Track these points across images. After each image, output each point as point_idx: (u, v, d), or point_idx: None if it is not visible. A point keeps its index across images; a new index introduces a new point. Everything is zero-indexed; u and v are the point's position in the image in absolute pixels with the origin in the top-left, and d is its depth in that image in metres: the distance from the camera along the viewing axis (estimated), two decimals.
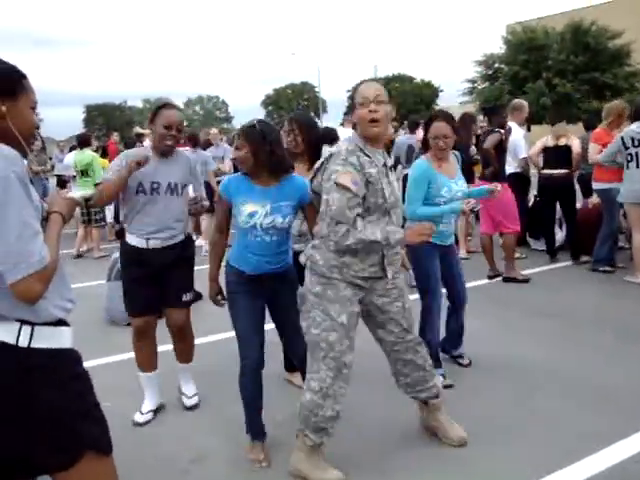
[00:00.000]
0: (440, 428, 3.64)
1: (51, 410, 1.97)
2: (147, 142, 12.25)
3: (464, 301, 4.72)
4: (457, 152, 4.70)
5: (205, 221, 10.25)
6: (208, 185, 9.52)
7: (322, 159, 3.23)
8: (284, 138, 3.99)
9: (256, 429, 3.58)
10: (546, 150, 8.25)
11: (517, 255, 7.90)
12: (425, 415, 3.72)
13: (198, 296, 6.87)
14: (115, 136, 14.75)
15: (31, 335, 1.96)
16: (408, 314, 3.43)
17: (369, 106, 3.07)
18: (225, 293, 3.64)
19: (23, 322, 1.96)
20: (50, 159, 16.00)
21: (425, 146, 4.51)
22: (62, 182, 13.15)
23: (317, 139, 4.28)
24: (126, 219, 4.05)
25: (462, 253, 8.63)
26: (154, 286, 4.01)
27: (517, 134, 8.08)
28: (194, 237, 4.93)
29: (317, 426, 3.23)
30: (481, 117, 11.37)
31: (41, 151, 15.32)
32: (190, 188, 4.12)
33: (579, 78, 37.72)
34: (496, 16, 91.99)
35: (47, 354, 1.99)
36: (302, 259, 3.33)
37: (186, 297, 4.11)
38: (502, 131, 7.25)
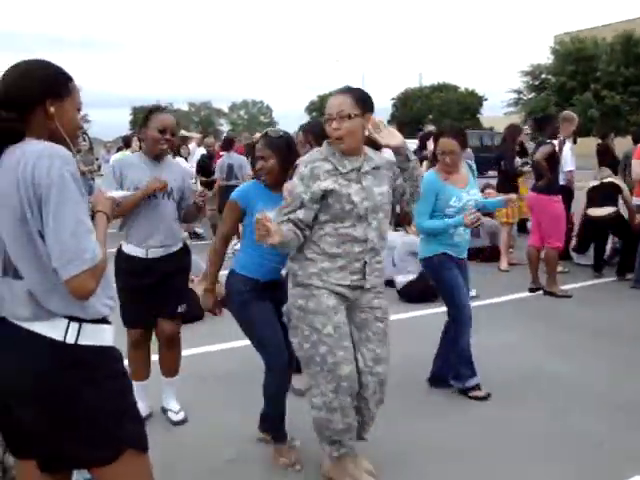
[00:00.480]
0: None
1: (94, 407, 1.99)
2: (192, 145, 12.41)
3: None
4: (470, 162, 4.66)
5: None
6: None
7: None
8: (300, 149, 3.97)
9: (282, 432, 3.55)
10: (592, 189, 8.14)
11: (560, 269, 7.79)
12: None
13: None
14: None
15: (78, 332, 1.99)
16: (386, 342, 3.23)
17: (332, 123, 2.99)
18: (233, 302, 3.53)
19: (71, 319, 1.99)
20: (97, 159, 16.30)
21: (435, 159, 4.52)
22: None
23: None
24: (122, 228, 3.95)
25: (503, 265, 8.57)
26: (151, 297, 3.90)
27: (564, 147, 7.98)
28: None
29: (331, 439, 3.17)
30: (526, 127, 11.27)
31: (88, 151, 15.60)
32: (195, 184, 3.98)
33: (628, 90, 37.12)
34: (543, 26, 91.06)
35: (93, 351, 2.02)
36: (283, 273, 3.30)
37: (181, 308, 4.03)
38: (554, 142, 7.15)
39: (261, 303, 3.44)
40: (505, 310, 6.54)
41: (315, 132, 4.18)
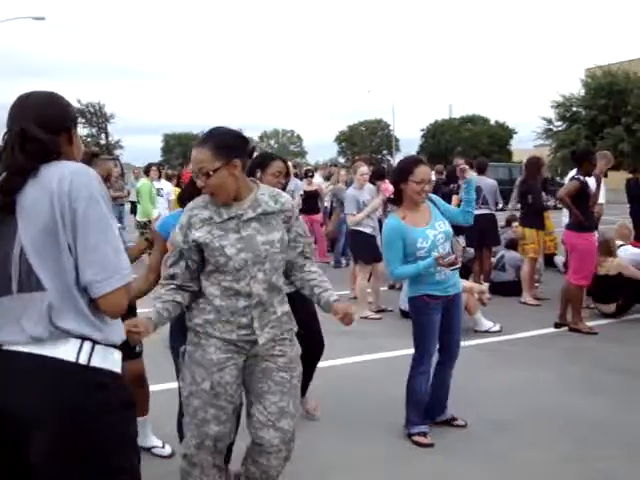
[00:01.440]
0: None
1: (109, 436, 1.95)
2: (318, 177, 12.57)
3: (454, 356, 4.38)
4: (431, 195, 4.42)
5: None
6: None
7: None
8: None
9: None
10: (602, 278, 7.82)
11: (586, 305, 7.68)
12: None
13: None
14: (188, 169, 15.08)
15: (91, 353, 1.95)
16: (292, 395, 2.95)
17: (199, 179, 2.78)
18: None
19: (85, 339, 1.94)
20: (126, 184, 16.54)
21: (397, 201, 4.30)
22: (135, 208, 13.53)
23: None
24: None
25: (527, 299, 8.48)
26: None
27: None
28: None
29: None
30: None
31: (119, 177, 15.87)
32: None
33: None
34: (575, 59, 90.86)
35: (106, 375, 1.99)
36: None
37: (139, 347, 3.97)
38: (582, 179, 7.03)
39: None
40: (528, 346, 6.45)
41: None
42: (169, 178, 12.58)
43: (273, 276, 2.85)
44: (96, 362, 1.95)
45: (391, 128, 70.93)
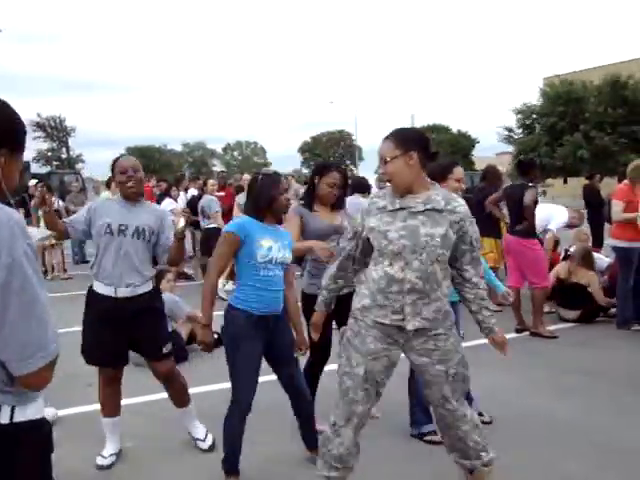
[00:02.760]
0: None
1: None
2: (192, 190, 12.51)
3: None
4: None
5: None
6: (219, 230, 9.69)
7: None
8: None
9: (233, 466, 3.68)
10: (563, 287, 8.04)
11: (547, 309, 7.80)
12: None
13: (219, 341, 6.84)
14: (153, 180, 14.95)
15: (12, 412, 1.74)
16: (450, 383, 3.19)
17: (381, 167, 3.23)
18: (226, 336, 3.70)
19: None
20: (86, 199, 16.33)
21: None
22: None
23: None
24: (93, 266, 4.07)
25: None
26: (122, 336, 3.99)
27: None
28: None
29: (324, 459, 3.28)
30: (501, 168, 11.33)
31: (79, 192, 15.71)
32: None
33: (617, 131, 37.58)
34: (533, 69, 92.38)
35: (29, 427, 1.79)
36: None
37: (166, 349, 4.12)
38: (537, 186, 7.22)
39: (249, 343, 3.60)
40: (491, 351, 6.49)
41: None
42: None
43: (429, 267, 3.03)
44: (20, 417, 1.76)
45: (354, 138, 71.25)
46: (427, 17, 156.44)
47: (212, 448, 4.26)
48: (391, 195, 3.16)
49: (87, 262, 15.07)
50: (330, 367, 4.30)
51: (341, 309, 3.80)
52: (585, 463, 3.99)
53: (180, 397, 4.30)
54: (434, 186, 3.19)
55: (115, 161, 4.11)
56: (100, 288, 3.97)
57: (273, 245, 3.64)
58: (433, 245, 3.02)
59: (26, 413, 1.78)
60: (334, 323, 4.24)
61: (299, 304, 4.07)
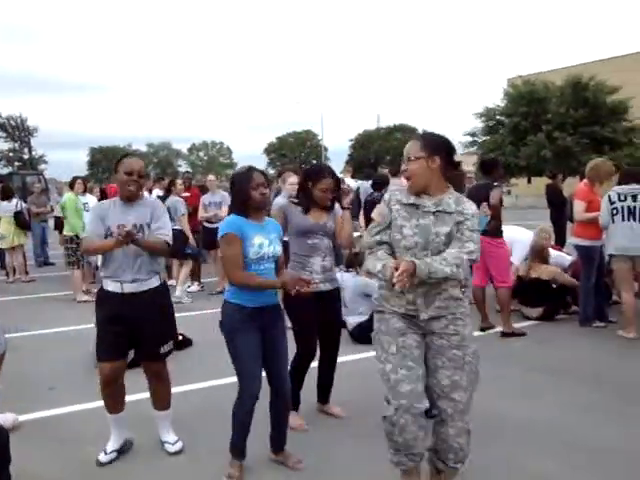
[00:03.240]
0: None
1: None
2: (156, 191, 12.34)
3: None
4: None
5: (175, 267, 10.41)
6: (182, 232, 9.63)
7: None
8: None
9: (239, 450, 3.88)
10: (527, 284, 8.14)
11: (512, 307, 7.88)
12: None
13: (188, 342, 6.89)
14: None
15: None
16: (465, 370, 3.30)
17: (404, 164, 3.58)
18: (224, 330, 3.82)
19: None
20: (49, 201, 16.12)
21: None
22: (60, 224, 13.20)
23: None
24: (102, 265, 4.19)
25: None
26: (126, 332, 4.04)
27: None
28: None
29: (393, 447, 3.34)
30: (470, 168, 11.42)
31: (41, 193, 15.47)
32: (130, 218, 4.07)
33: (579, 131, 38.17)
34: (498, 69, 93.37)
35: None
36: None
37: (164, 349, 4.17)
38: (502, 185, 7.29)
39: (246, 335, 3.74)
40: None
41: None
42: (90, 190, 12.23)
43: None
44: None
45: (319, 138, 71.34)
46: (392, 18, 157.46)
47: (178, 452, 4.26)
48: (406, 193, 3.38)
49: (50, 264, 14.86)
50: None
51: (325, 305, 4.41)
52: (554, 461, 4.02)
53: (165, 398, 4.34)
54: (449, 189, 3.37)
55: (122, 157, 4.19)
56: (108, 285, 4.08)
57: (264, 241, 3.78)
58: (437, 242, 3.26)
59: None
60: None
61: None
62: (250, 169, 3.90)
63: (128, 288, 4.01)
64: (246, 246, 3.72)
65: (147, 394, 4.39)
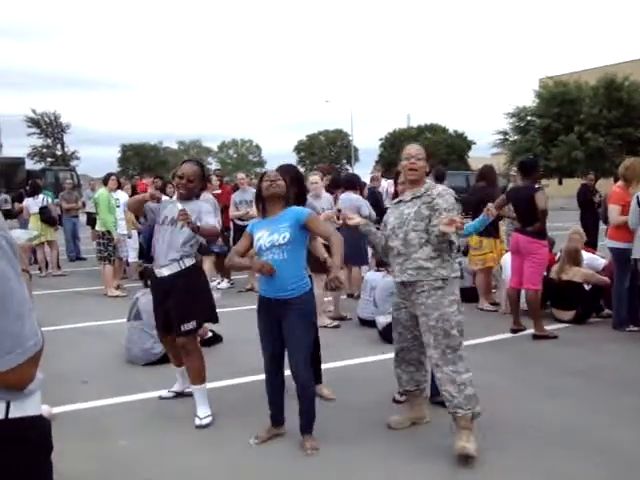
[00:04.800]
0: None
1: None
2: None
3: None
4: None
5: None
6: None
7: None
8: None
9: (270, 416, 4.36)
10: (558, 285, 8.02)
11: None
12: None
13: (219, 338, 6.93)
14: (147, 178, 14.87)
15: (7, 407, 1.68)
16: (436, 334, 4.04)
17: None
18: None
19: None
20: (81, 197, 16.30)
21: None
22: (92, 219, 13.34)
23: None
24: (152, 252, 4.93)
25: (484, 305, 8.61)
26: (161, 309, 4.75)
27: None
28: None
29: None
30: (513, 170, 11.34)
31: (73, 189, 15.65)
32: (179, 204, 4.61)
33: (612, 132, 37.64)
34: (529, 69, 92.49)
35: (26, 423, 1.73)
36: None
37: (185, 327, 4.59)
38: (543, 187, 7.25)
39: (261, 320, 4.24)
40: (485, 351, 6.51)
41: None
42: (121, 187, 12.35)
43: (408, 235, 4.13)
44: (16, 413, 1.69)
45: (350, 138, 71.22)
46: (424, 17, 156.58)
47: (203, 426, 4.57)
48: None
49: (82, 259, 15.05)
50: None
51: None
52: (580, 464, 3.98)
53: (195, 372, 4.72)
54: (427, 183, 4.32)
55: (183, 162, 4.88)
56: (156, 269, 4.76)
57: (263, 234, 4.11)
58: (408, 218, 4.17)
59: (24, 409, 1.73)
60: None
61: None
62: (268, 171, 4.37)
63: (159, 273, 4.68)
64: (254, 243, 4.19)
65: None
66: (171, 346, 4.95)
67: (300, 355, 4.11)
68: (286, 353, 4.19)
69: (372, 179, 11.65)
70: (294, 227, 4.07)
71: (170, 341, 4.88)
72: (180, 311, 4.59)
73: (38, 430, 1.82)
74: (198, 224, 4.53)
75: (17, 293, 1.61)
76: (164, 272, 4.63)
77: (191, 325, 4.60)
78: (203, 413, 4.64)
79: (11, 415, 1.68)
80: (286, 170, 4.62)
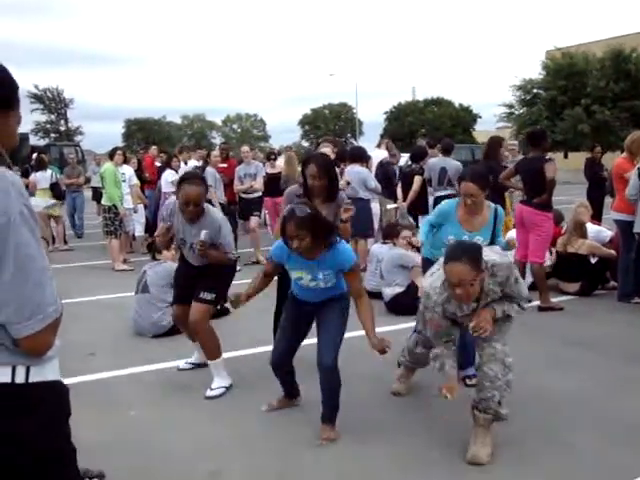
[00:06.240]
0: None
1: (48, 449, 1.79)
2: (192, 161, 12.37)
3: None
4: (498, 207, 4.80)
5: None
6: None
7: None
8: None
9: (287, 390, 4.38)
10: (560, 258, 8.05)
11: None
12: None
13: (225, 311, 6.95)
14: (153, 150, 14.77)
15: (27, 372, 1.74)
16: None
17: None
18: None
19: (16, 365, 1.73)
20: (85, 172, 16.22)
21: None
22: (98, 194, 13.33)
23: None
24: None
25: None
26: (187, 282, 4.90)
27: None
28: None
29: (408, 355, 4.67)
30: (514, 141, 11.23)
31: (77, 164, 15.60)
32: (202, 234, 4.55)
33: (618, 106, 37.30)
34: (536, 42, 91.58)
35: (45, 388, 1.79)
36: None
37: (204, 295, 4.67)
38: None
39: (292, 309, 4.15)
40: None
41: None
42: (127, 161, 12.29)
43: None
44: (36, 377, 1.75)
45: (354, 111, 70.85)
46: None
47: (213, 397, 4.64)
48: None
49: (79, 236, 14.81)
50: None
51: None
52: (589, 435, 4.01)
53: (206, 350, 4.81)
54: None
55: (182, 180, 4.64)
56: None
57: (304, 276, 3.92)
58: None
59: (43, 374, 1.78)
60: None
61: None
62: (287, 219, 3.69)
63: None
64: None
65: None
66: (184, 322, 4.97)
67: (330, 342, 3.90)
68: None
69: (391, 155, 11.31)
70: (337, 272, 3.87)
71: (183, 316, 4.89)
72: (206, 283, 4.70)
73: (57, 395, 1.86)
74: (213, 253, 4.62)
75: (37, 260, 1.66)
76: (201, 262, 4.78)
77: (210, 296, 4.68)
78: (216, 384, 4.73)
79: (31, 380, 1.73)
80: (302, 223, 3.66)
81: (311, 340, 4.20)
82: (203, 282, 4.72)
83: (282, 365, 4.19)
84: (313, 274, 3.84)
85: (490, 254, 3.63)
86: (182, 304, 4.93)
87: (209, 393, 4.67)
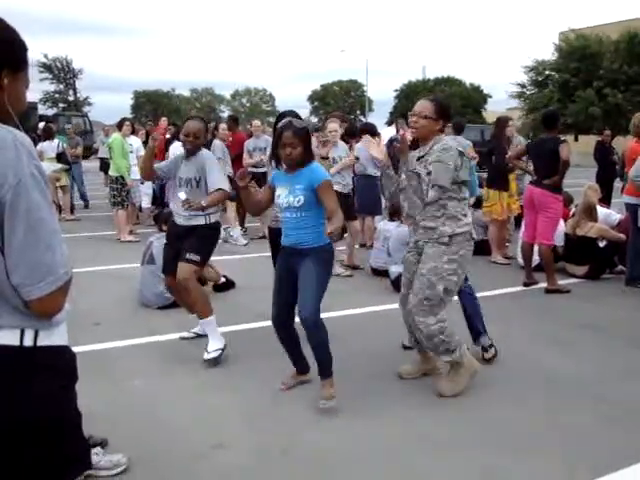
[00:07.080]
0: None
1: (55, 414, 1.81)
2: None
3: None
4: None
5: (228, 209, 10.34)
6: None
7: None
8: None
9: (297, 364, 4.39)
10: (569, 241, 8.00)
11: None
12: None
13: (231, 284, 6.96)
14: (163, 121, 14.66)
15: (35, 336, 1.75)
16: (421, 282, 4.12)
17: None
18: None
19: (25, 329, 1.74)
20: (94, 143, 16.17)
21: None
22: (106, 165, 13.31)
23: None
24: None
25: (497, 258, 8.59)
26: (174, 249, 5.00)
27: None
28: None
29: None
30: (515, 122, 11.12)
31: (80, 135, 15.53)
32: (181, 194, 4.90)
33: (631, 89, 36.98)
34: (549, 22, 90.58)
35: (54, 352, 1.80)
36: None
37: (190, 256, 4.81)
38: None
39: (281, 267, 4.23)
40: (497, 303, 6.51)
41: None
42: (135, 133, 12.23)
43: (412, 197, 4.25)
44: (44, 341, 1.77)
45: (365, 88, 70.41)
46: None
47: (210, 362, 4.72)
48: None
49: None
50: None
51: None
52: (590, 416, 4.00)
53: (198, 308, 4.93)
54: (433, 140, 4.23)
55: (187, 119, 5.09)
56: (175, 216, 5.14)
57: (282, 192, 4.09)
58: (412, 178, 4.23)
59: (51, 338, 1.79)
60: None
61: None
62: (284, 128, 4.01)
63: (179, 221, 5.05)
64: (275, 195, 4.17)
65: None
66: (176, 290, 5.15)
67: (308, 293, 3.95)
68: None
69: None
70: (308, 190, 4.00)
71: (173, 282, 5.02)
72: (191, 245, 4.86)
73: (65, 359, 1.88)
74: (203, 203, 4.66)
75: (48, 223, 1.67)
76: (185, 222, 4.97)
77: (196, 257, 4.82)
78: (212, 347, 4.80)
79: (39, 343, 1.75)
80: (298, 133, 3.97)
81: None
82: (188, 244, 4.87)
83: (283, 321, 4.21)
84: (290, 187, 4.03)
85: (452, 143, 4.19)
86: (172, 272, 5.02)
87: (206, 356, 4.75)
